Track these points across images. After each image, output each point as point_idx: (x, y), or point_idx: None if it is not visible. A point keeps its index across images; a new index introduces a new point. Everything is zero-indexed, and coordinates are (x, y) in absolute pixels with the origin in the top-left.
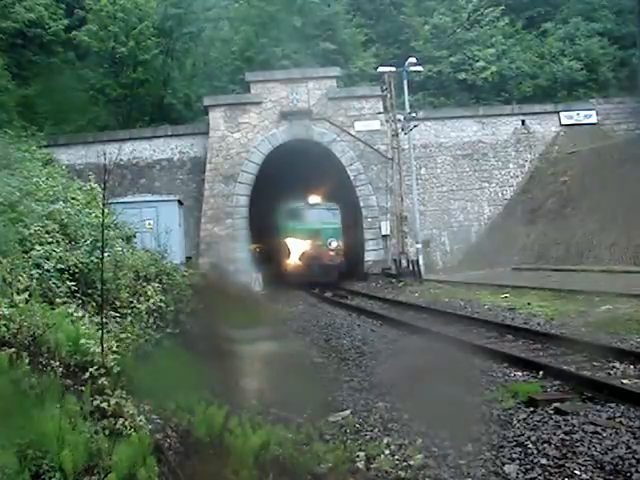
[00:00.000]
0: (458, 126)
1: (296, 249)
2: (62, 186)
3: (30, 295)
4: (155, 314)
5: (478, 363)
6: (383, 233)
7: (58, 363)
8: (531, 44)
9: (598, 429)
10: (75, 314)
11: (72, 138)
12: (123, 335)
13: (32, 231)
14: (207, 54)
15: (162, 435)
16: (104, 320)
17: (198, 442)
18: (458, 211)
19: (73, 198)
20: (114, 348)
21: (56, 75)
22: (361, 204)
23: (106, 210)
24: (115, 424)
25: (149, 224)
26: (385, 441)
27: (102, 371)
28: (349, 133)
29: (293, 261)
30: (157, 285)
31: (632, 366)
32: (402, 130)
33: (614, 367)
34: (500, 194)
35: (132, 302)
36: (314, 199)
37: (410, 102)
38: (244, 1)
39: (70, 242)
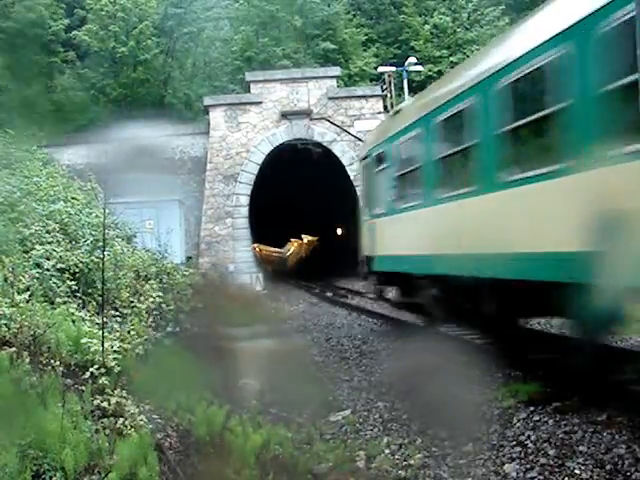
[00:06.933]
0: None
1: None
2: (62, 186)
3: (31, 295)
4: (155, 313)
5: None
6: None
7: (59, 362)
8: None
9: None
10: (76, 313)
11: (72, 138)
12: (125, 335)
13: (32, 231)
14: (207, 54)
15: (163, 434)
16: (104, 320)
17: (199, 441)
18: None
19: (73, 198)
20: (115, 347)
21: (56, 75)
22: (360, 204)
23: (107, 210)
24: (116, 423)
25: (150, 224)
26: (385, 440)
27: (103, 370)
28: (349, 133)
29: None
30: (157, 284)
31: None
32: None
33: None
34: None
35: (132, 301)
36: None
37: None
38: (244, 1)
39: (70, 242)
